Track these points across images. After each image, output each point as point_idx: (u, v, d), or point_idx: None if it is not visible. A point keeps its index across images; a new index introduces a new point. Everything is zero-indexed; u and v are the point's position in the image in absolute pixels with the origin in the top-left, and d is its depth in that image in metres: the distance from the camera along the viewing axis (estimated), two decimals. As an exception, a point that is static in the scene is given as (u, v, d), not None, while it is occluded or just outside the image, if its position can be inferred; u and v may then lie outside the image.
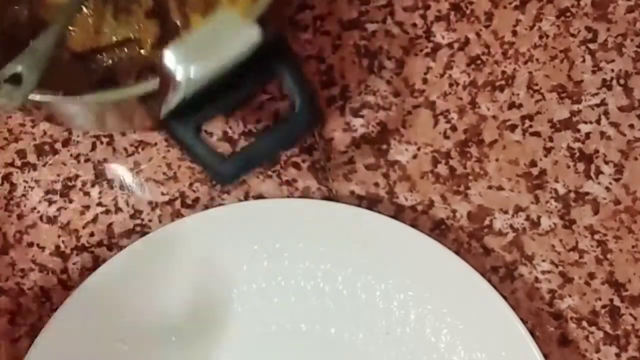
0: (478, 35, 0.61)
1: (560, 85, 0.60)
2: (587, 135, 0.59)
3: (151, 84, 0.48)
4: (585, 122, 0.59)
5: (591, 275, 0.57)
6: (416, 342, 0.56)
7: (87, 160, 0.60)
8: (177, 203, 0.60)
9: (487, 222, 0.58)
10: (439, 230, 0.58)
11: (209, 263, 0.57)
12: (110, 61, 0.55)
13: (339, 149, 0.60)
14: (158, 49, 0.52)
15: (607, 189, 0.58)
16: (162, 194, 0.60)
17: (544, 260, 0.58)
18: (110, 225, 0.59)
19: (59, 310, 0.55)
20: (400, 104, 0.60)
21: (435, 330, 0.56)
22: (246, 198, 0.59)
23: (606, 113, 0.59)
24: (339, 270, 0.57)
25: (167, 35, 0.54)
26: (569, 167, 0.59)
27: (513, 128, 0.60)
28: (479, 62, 0.61)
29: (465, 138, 0.59)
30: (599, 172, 0.59)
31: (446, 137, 0.60)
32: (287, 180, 0.59)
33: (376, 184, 0.59)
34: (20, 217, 0.60)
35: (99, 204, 0.60)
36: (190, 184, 0.60)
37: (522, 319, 0.55)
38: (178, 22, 0.55)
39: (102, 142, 0.60)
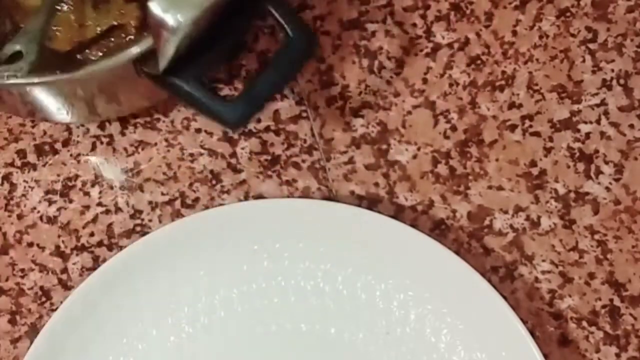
0: (478, 35, 0.61)
1: (560, 85, 0.60)
2: (587, 135, 0.59)
3: (145, 43, 0.48)
4: (585, 122, 0.59)
5: (591, 275, 0.57)
6: (416, 342, 0.56)
7: (87, 161, 0.60)
8: (177, 203, 0.60)
9: (487, 222, 0.58)
10: (439, 230, 0.58)
11: (208, 264, 0.57)
12: (99, 54, 0.55)
13: (339, 149, 0.60)
14: (143, 31, 0.53)
15: (607, 189, 0.58)
16: (162, 194, 0.60)
17: (544, 260, 0.58)
18: (110, 225, 0.59)
19: (58, 310, 0.55)
20: (400, 104, 0.60)
21: (435, 330, 0.56)
22: (246, 198, 0.59)
23: (606, 113, 0.59)
24: (339, 270, 0.57)
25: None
26: (569, 167, 0.59)
27: (513, 128, 0.60)
28: (479, 62, 0.61)
29: (465, 138, 0.59)
30: (599, 172, 0.59)
31: (446, 137, 0.60)
32: (287, 180, 0.59)
33: (376, 184, 0.59)
34: (20, 217, 0.60)
35: (99, 204, 0.60)
36: (190, 184, 0.60)
37: (522, 319, 0.55)
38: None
39: (102, 142, 0.60)
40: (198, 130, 0.60)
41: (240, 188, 0.60)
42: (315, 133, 0.60)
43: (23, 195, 0.60)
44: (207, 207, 0.59)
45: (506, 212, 0.58)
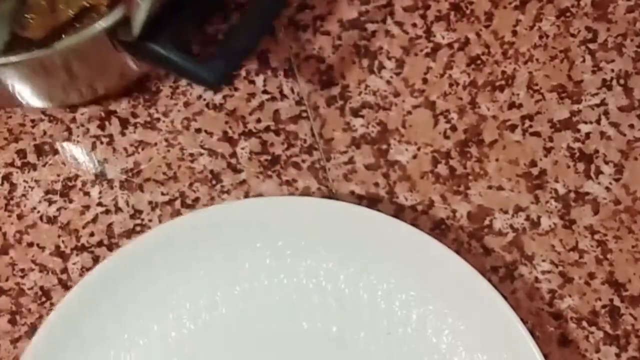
0: (478, 35, 0.61)
1: (560, 85, 0.60)
2: (587, 135, 0.59)
3: (117, 13, 0.49)
4: (585, 122, 0.59)
5: (591, 275, 0.57)
6: (417, 343, 0.56)
7: (87, 161, 0.60)
8: (177, 203, 0.60)
9: (487, 222, 0.58)
10: (439, 230, 0.58)
11: (210, 261, 0.57)
12: None
13: (339, 149, 0.60)
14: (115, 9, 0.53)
15: (607, 189, 0.58)
16: (162, 194, 0.60)
17: (544, 260, 0.58)
18: (110, 225, 0.59)
19: (55, 308, 0.55)
20: (400, 104, 0.60)
21: (436, 331, 0.56)
22: (246, 198, 0.59)
23: (606, 113, 0.59)
24: (341, 269, 0.57)
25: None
26: (569, 167, 0.59)
27: (513, 128, 0.60)
28: (479, 62, 0.61)
29: (465, 138, 0.60)
30: (599, 172, 0.59)
31: (446, 137, 0.60)
32: (287, 180, 0.59)
33: (376, 184, 0.59)
34: (20, 217, 0.60)
35: (99, 204, 0.60)
36: (190, 184, 0.60)
37: (522, 319, 0.55)
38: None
39: (102, 142, 0.60)
40: (198, 130, 0.60)
41: (240, 188, 0.60)
42: (315, 133, 0.60)
43: (23, 195, 0.60)
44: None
45: (506, 212, 0.58)
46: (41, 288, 0.59)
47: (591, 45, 0.60)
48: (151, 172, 0.60)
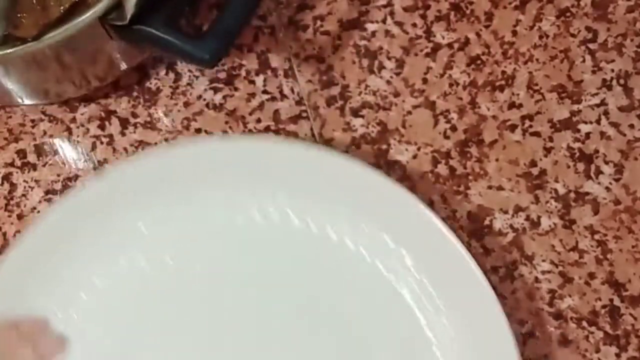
0: (478, 35, 0.61)
1: (560, 85, 0.60)
2: (587, 135, 0.59)
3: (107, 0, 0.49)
4: (585, 122, 0.59)
5: (591, 275, 0.57)
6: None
7: (87, 160, 0.60)
8: (177, 203, 0.59)
9: (487, 222, 0.58)
10: (439, 230, 0.58)
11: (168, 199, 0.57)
12: None
13: (339, 149, 0.60)
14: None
15: (607, 189, 0.58)
16: (162, 194, 0.60)
17: (544, 260, 0.58)
18: (110, 225, 0.59)
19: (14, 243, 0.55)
20: (400, 104, 0.60)
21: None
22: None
23: (606, 113, 0.59)
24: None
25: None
26: (569, 167, 0.59)
27: (513, 128, 0.60)
28: (479, 62, 0.61)
29: (465, 138, 0.60)
30: (599, 172, 0.59)
31: (446, 137, 0.60)
32: (287, 180, 0.59)
33: (376, 184, 0.59)
34: (20, 217, 0.60)
35: (99, 204, 0.60)
36: (190, 184, 0.60)
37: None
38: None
39: (102, 142, 0.60)
40: (198, 130, 0.60)
41: (240, 188, 0.60)
42: (315, 133, 0.60)
43: (23, 195, 0.60)
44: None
45: (506, 212, 0.58)
46: (41, 288, 0.59)
47: (591, 45, 0.60)
48: (151, 172, 0.60)
